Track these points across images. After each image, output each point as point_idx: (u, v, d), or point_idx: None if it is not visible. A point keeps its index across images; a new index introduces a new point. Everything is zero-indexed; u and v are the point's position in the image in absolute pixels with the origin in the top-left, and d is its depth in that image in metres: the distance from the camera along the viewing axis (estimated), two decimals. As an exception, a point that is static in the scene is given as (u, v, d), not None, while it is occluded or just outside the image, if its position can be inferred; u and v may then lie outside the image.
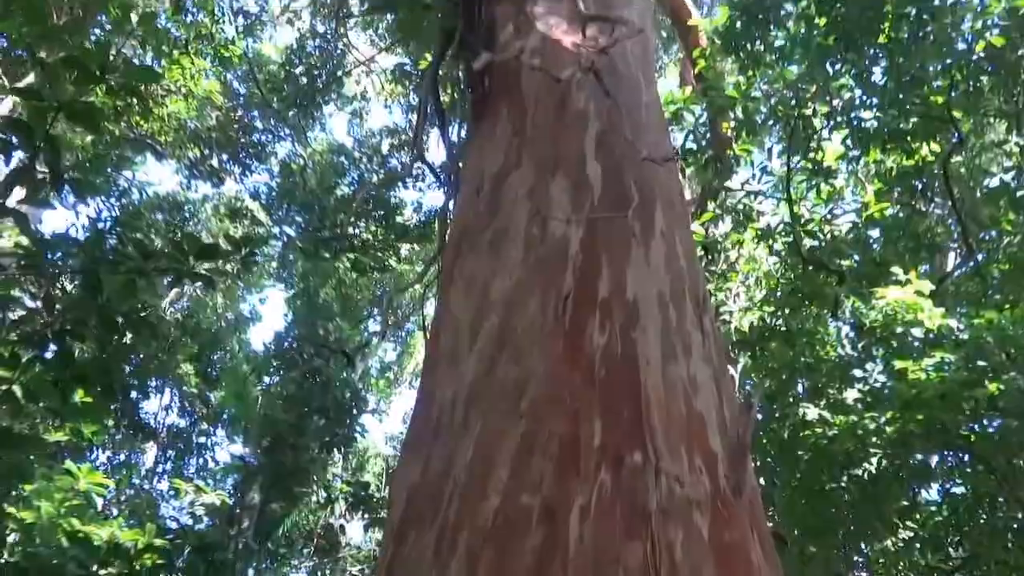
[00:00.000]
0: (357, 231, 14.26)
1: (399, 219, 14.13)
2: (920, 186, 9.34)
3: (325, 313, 16.69)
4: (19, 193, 3.01)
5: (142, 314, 3.79)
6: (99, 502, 9.24)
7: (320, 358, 15.10)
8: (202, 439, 18.15)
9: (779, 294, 9.13)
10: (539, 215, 2.76)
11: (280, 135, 15.72)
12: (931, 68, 6.85)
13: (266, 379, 16.85)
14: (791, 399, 8.15)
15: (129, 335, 3.73)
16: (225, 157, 15.67)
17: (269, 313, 52.32)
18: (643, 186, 2.84)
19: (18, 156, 3.09)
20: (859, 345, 8.62)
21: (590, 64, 3.01)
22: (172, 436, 18.10)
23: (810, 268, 8.76)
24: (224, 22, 10.68)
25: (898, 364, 6.71)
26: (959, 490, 8.04)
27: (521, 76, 3.63)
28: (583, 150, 3.08)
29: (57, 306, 3.09)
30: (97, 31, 10.33)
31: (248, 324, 20.40)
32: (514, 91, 3.58)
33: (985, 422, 7.08)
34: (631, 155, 3.04)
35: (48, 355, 3.06)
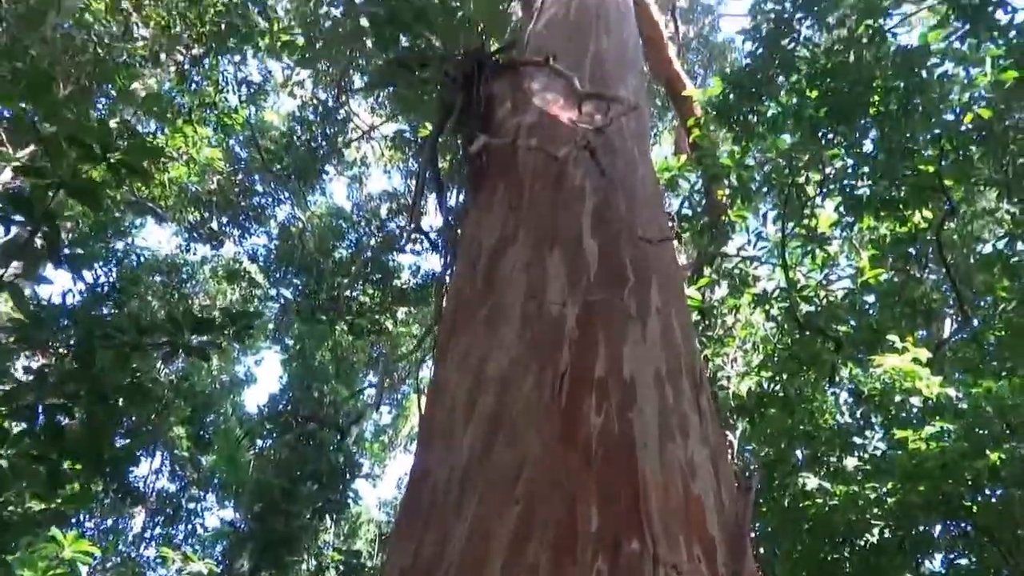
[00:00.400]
0: (354, 294, 14.28)
1: (396, 282, 14.16)
2: (914, 253, 9.42)
3: (321, 375, 16.59)
4: (15, 266, 3.02)
5: (135, 380, 3.76)
6: (84, 571, 9.01)
7: (314, 422, 14.94)
8: (192, 504, 17.80)
9: (776, 359, 9.11)
10: (535, 291, 2.77)
11: (280, 198, 15.87)
12: (921, 138, 6.98)
13: (259, 442, 16.63)
14: (790, 467, 8.04)
15: (121, 401, 3.70)
16: (225, 220, 15.79)
17: (264, 375, 52.06)
18: (639, 262, 2.85)
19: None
20: (858, 412, 8.57)
21: (586, 143, 3.05)
22: (161, 501, 17.76)
23: (807, 334, 8.76)
24: (228, 91, 10.91)
25: (898, 433, 6.66)
26: (963, 561, 7.89)
27: (518, 151, 3.69)
28: (580, 226, 3.11)
29: (50, 379, 3.07)
30: (103, 98, 10.54)
31: (243, 386, 20.26)
32: (511, 166, 3.62)
33: (988, 492, 7.00)
34: (627, 231, 3.06)
35: (38, 427, 3.02)
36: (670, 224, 9.47)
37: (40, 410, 3.02)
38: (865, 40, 5.90)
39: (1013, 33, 5.89)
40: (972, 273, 10.29)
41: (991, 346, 9.09)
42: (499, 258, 3.16)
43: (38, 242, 2.72)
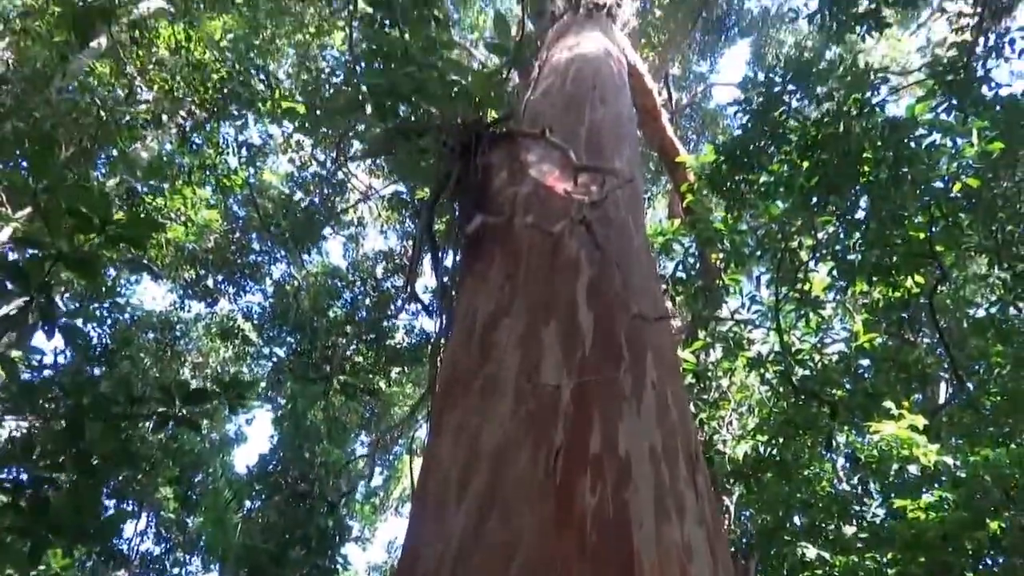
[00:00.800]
0: (348, 353, 14.22)
1: (390, 342, 14.12)
2: (907, 317, 9.47)
3: (312, 436, 16.39)
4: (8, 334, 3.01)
5: (124, 442, 3.70)
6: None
7: (305, 483, 14.71)
8: (177, 569, 17.38)
9: (772, 423, 9.05)
10: (530, 364, 2.76)
11: (276, 256, 15.94)
12: (911, 206, 7.07)
13: (248, 504, 16.33)
14: (788, 536, 7.92)
15: (109, 464, 3.63)
16: (220, 277, 15.81)
17: (255, 434, 51.31)
18: (634, 337, 2.85)
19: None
20: (855, 478, 8.49)
21: (582, 217, 3.08)
22: (145, 564, 17.34)
23: (802, 398, 8.73)
24: (228, 153, 11.04)
25: (897, 502, 6.59)
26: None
27: (514, 221, 3.72)
28: (575, 298, 3.11)
29: (37, 446, 3.02)
30: (104, 156, 10.66)
31: (233, 445, 19.99)
32: (508, 235, 3.65)
33: (989, 561, 6.89)
34: (622, 305, 3.07)
35: (23, 500, 2.96)
36: (664, 287, 9.56)
37: (26, 481, 2.96)
38: (854, 112, 6.03)
39: (998, 108, 6.02)
40: (966, 337, 10.33)
41: (988, 412, 9.06)
42: (494, 328, 3.16)
43: (33, 314, 2.72)
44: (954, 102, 6.33)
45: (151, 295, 24.22)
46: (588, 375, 2.65)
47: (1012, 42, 6.48)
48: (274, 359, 16.48)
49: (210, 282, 15.75)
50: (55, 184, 2.67)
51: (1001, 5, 6.58)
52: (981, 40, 6.42)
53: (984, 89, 6.28)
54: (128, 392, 3.14)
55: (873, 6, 6.42)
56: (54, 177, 2.68)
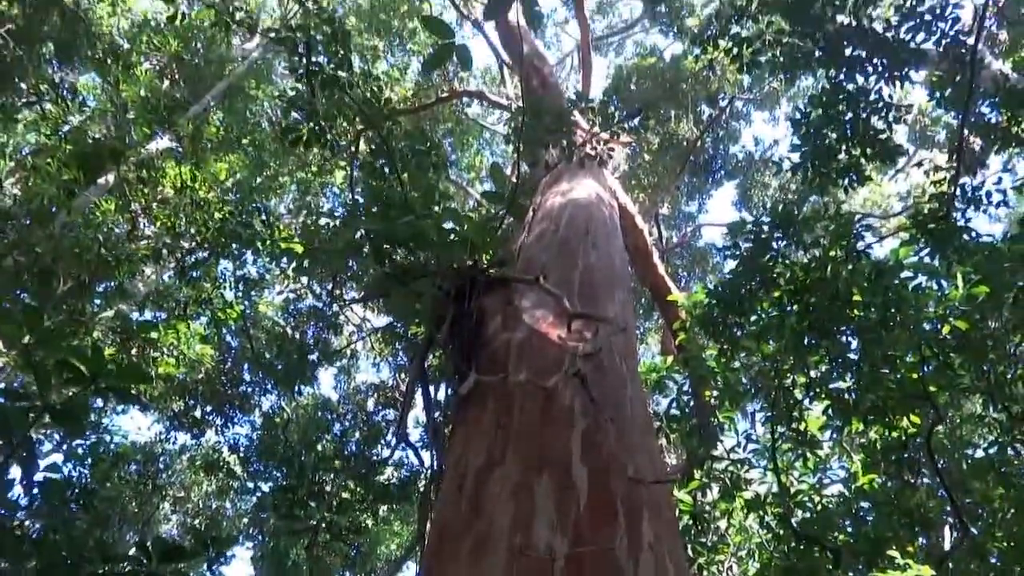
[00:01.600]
0: (335, 489, 13.81)
1: (380, 477, 13.76)
2: (906, 457, 9.31)
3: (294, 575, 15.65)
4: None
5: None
6: None
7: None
8: None
9: (772, 567, 8.71)
10: (523, 522, 2.67)
11: (266, 388, 15.78)
12: (902, 347, 7.10)
13: (223, 651, 15.37)
14: None
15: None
16: (209, 408, 15.58)
17: (233, 574, 49.03)
18: (630, 494, 2.79)
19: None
20: (863, 632, 8.08)
21: (576, 370, 3.08)
22: None
23: (803, 543, 8.44)
24: (225, 286, 11.17)
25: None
26: None
27: (508, 367, 3.70)
28: (569, 450, 3.06)
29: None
30: (102, 287, 10.76)
31: (210, 586, 19.03)
32: (501, 383, 3.63)
33: None
34: (617, 462, 3.01)
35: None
36: (658, 425, 9.44)
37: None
38: (841, 257, 6.18)
39: (979, 255, 6.18)
40: (966, 479, 10.13)
41: (994, 558, 8.76)
42: (486, 480, 3.08)
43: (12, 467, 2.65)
44: (937, 249, 6.50)
45: (136, 424, 23.74)
46: (583, 537, 2.56)
47: (989, 195, 6.75)
48: (258, 493, 15.99)
49: (198, 413, 15.50)
50: (46, 336, 2.68)
51: (975, 159, 6.89)
52: (958, 191, 6.67)
53: (965, 237, 6.47)
54: (102, 551, 2.99)
55: (853, 160, 6.72)
56: (45, 330, 2.69)
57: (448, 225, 4.21)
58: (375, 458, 13.72)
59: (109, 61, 12.34)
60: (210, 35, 14.61)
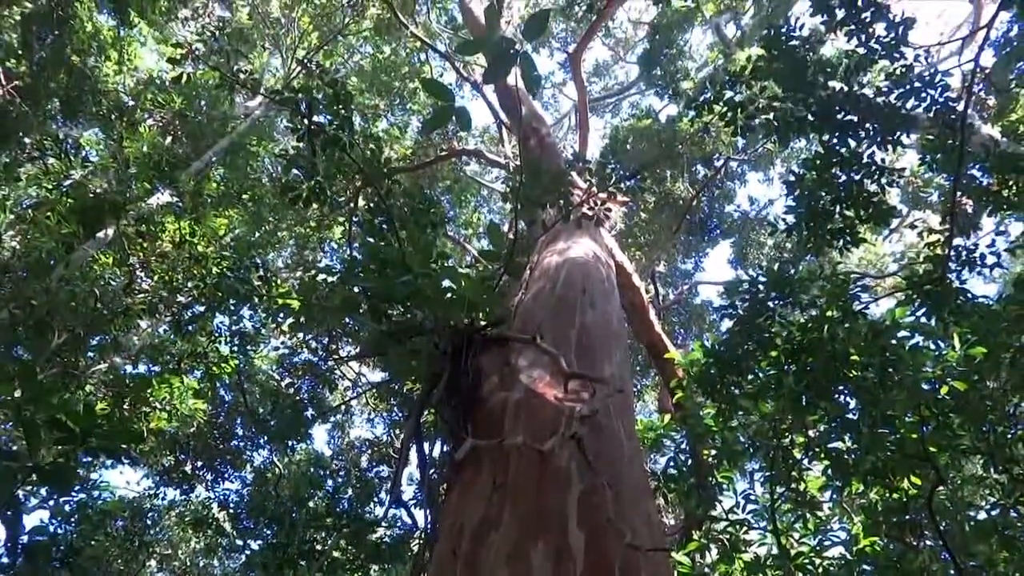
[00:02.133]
0: (325, 547, 13.54)
1: (372, 536, 13.50)
2: (908, 519, 9.17)
3: (281, 639, 15.21)
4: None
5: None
6: None
7: None
8: None
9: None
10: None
11: (259, 443, 15.59)
12: (902, 407, 7.06)
13: None
14: None
15: None
16: (200, 463, 15.37)
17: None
18: (628, 560, 2.73)
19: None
20: None
21: (573, 433, 3.05)
22: None
23: (805, 609, 8.26)
24: (220, 341, 11.14)
25: None
26: None
27: (504, 427, 3.67)
28: (565, 513, 3.02)
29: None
30: (97, 338, 10.72)
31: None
32: (497, 444, 3.59)
33: None
34: (614, 527, 2.97)
35: None
36: (656, 485, 9.32)
37: None
38: (837, 316, 6.19)
39: (975, 316, 6.20)
40: (969, 542, 9.96)
41: (1001, 626, 8.57)
42: (481, 544, 3.03)
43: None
44: (933, 310, 6.53)
45: (125, 478, 23.32)
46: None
47: (983, 257, 6.80)
48: (247, 551, 15.65)
49: (188, 468, 15.28)
50: (38, 393, 2.65)
51: (968, 221, 6.96)
52: (952, 252, 6.73)
53: (961, 298, 6.50)
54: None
55: (847, 222, 6.78)
56: (37, 386, 2.67)
57: (445, 283, 4.22)
58: (368, 516, 13.48)
59: (113, 117, 12.53)
60: (214, 93, 14.86)
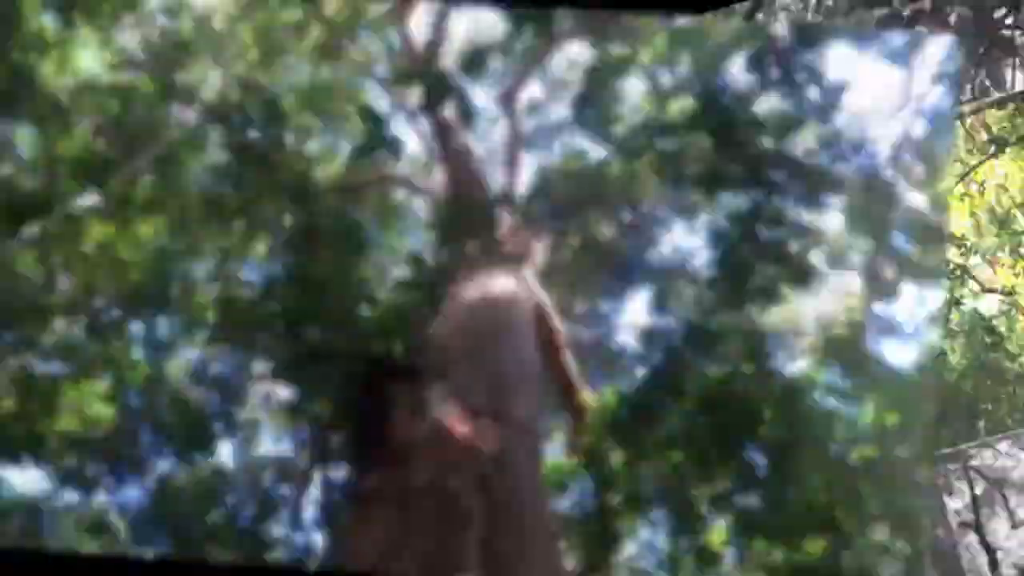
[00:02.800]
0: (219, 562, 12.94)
1: (268, 556, 12.97)
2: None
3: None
4: None
5: None
6: None
7: None
8: None
9: None
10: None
11: (163, 451, 14.89)
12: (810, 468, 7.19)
13: None
14: None
15: None
16: (103, 467, 14.58)
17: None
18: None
19: None
20: None
21: (479, 472, 2.99)
22: None
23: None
24: (134, 347, 10.56)
25: None
26: None
27: (410, 462, 3.57)
28: (466, 556, 2.94)
29: None
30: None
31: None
32: (401, 479, 3.48)
33: None
34: (516, 567, 2.89)
35: None
36: (560, 526, 9.25)
37: None
38: (752, 373, 6.26)
39: (890, 383, 6.36)
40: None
41: None
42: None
43: None
44: (848, 374, 6.66)
45: (20, 478, 21.87)
46: None
47: (900, 324, 7.01)
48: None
49: (90, 471, 14.46)
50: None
51: (886, 289, 7.17)
52: (870, 318, 6.92)
53: (876, 364, 6.65)
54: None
55: (768, 281, 6.91)
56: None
57: (362, 309, 4.13)
58: (264, 538, 12.98)
59: (47, 117, 11.91)
60: (150, 102, 14.37)
